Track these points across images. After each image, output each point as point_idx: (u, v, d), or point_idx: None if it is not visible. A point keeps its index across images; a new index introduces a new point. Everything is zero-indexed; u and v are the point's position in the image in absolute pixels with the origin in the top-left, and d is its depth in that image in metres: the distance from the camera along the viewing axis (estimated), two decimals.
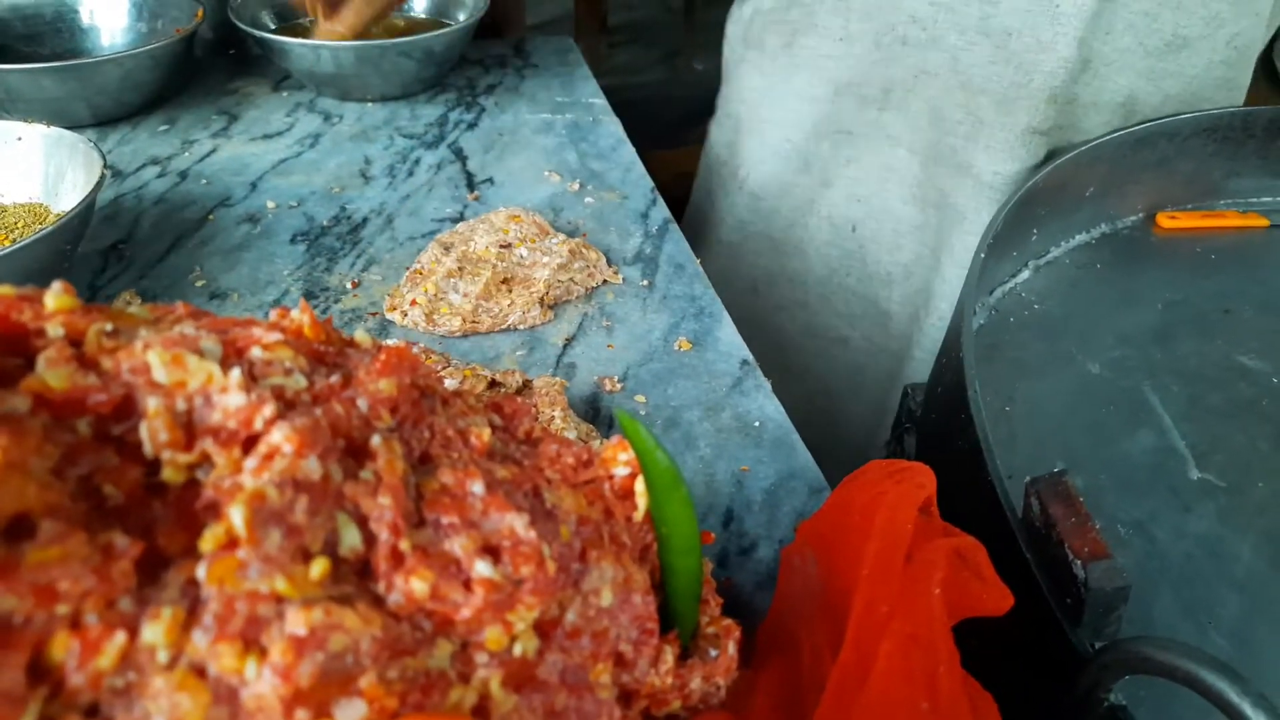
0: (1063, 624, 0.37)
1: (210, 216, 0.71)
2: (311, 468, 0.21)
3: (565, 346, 0.57)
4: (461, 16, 0.95)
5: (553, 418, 0.44)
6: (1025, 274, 0.71)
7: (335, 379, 0.24)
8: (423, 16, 1.00)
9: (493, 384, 0.47)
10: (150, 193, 0.74)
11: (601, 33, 3.51)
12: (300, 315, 0.26)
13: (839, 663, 0.26)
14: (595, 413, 0.52)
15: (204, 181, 0.76)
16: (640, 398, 0.53)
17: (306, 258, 0.66)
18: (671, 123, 1.56)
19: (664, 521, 0.28)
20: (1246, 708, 0.28)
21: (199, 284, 0.63)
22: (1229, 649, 0.46)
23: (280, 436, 0.21)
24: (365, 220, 0.72)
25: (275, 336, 0.24)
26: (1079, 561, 0.35)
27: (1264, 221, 0.77)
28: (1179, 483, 0.55)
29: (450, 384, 0.44)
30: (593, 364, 0.56)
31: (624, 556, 0.26)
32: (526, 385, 0.48)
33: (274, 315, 0.27)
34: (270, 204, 0.73)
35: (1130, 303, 0.67)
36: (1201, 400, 0.61)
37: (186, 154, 0.81)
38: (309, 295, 0.62)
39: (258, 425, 0.21)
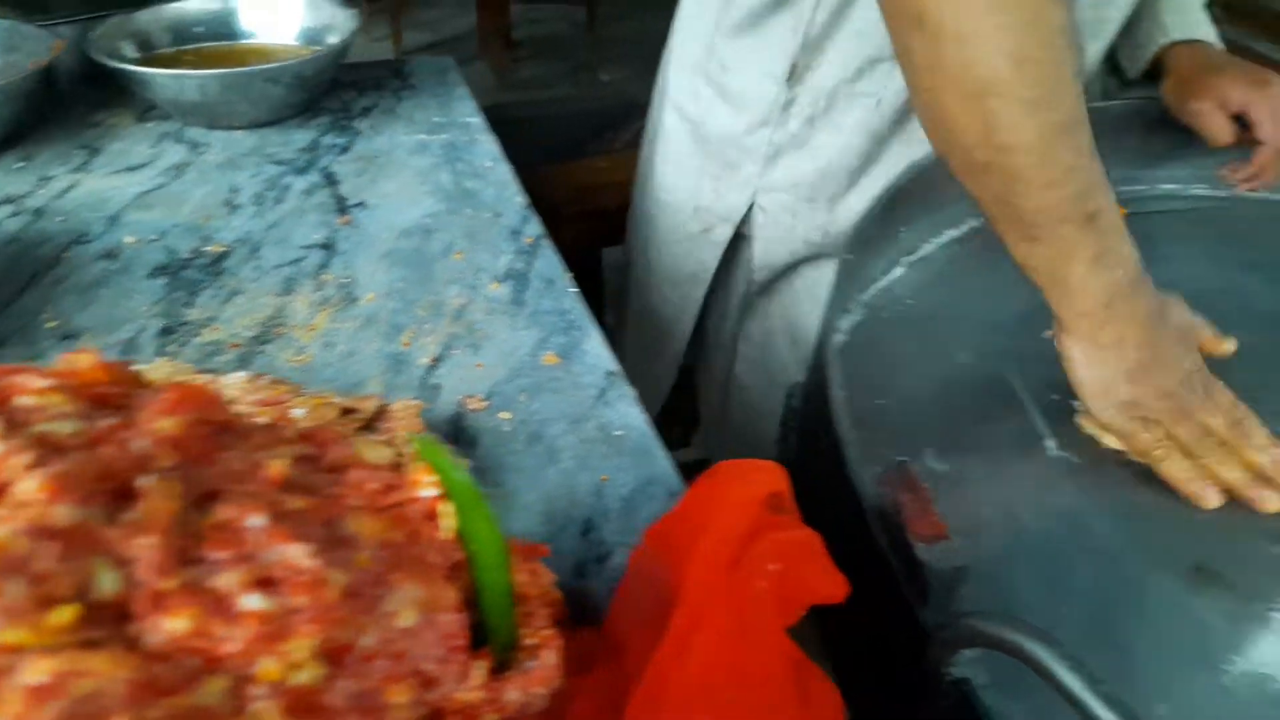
0: (911, 605, 0.38)
1: (65, 254, 0.70)
2: (64, 514, 0.21)
3: (431, 368, 0.58)
4: (332, 40, 0.95)
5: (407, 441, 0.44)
6: (899, 271, 0.74)
7: (114, 421, 0.24)
8: (293, 42, 0.99)
9: (346, 411, 0.47)
10: (2, 233, 0.72)
11: (506, 48, 3.52)
12: (81, 358, 0.26)
13: (654, 658, 0.27)
14: (458, 433, 0.52)
15: (60, 219, 0.75)
16: (505, 414, 0.54)
17: (165, 292, 0.66)
18: (577, 135, 1.56)
19: (471, 539, 0.28)
20: (1062, 671, 0.29)
21: (50, 325, 0.62)
22: (1086, 619, 0.49)
23: (33, 485, 0.21)
24: (230, 251, 0.71)
25: (46, 383, 0.24)
26: (920, 544, 0.37)
27: (1121, 211, 0.81)
28: (1040, 462, 0.58)
29: (298, 413, 0.44)
30: (459, 383, 0.57)
31: (431, 576, 0.27)
32: (383, 410, 0.48)
33: (60, 360, 0.26)
34: (129, 239, 0.72)
35: (998, 293, 0.70)
36: (1061, 384, 0.64)
37: (42, 191, 0.79)
38: (167, 331, 0.61)
39: (9, 474, 0.21)
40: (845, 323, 0.67)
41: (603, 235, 1.12)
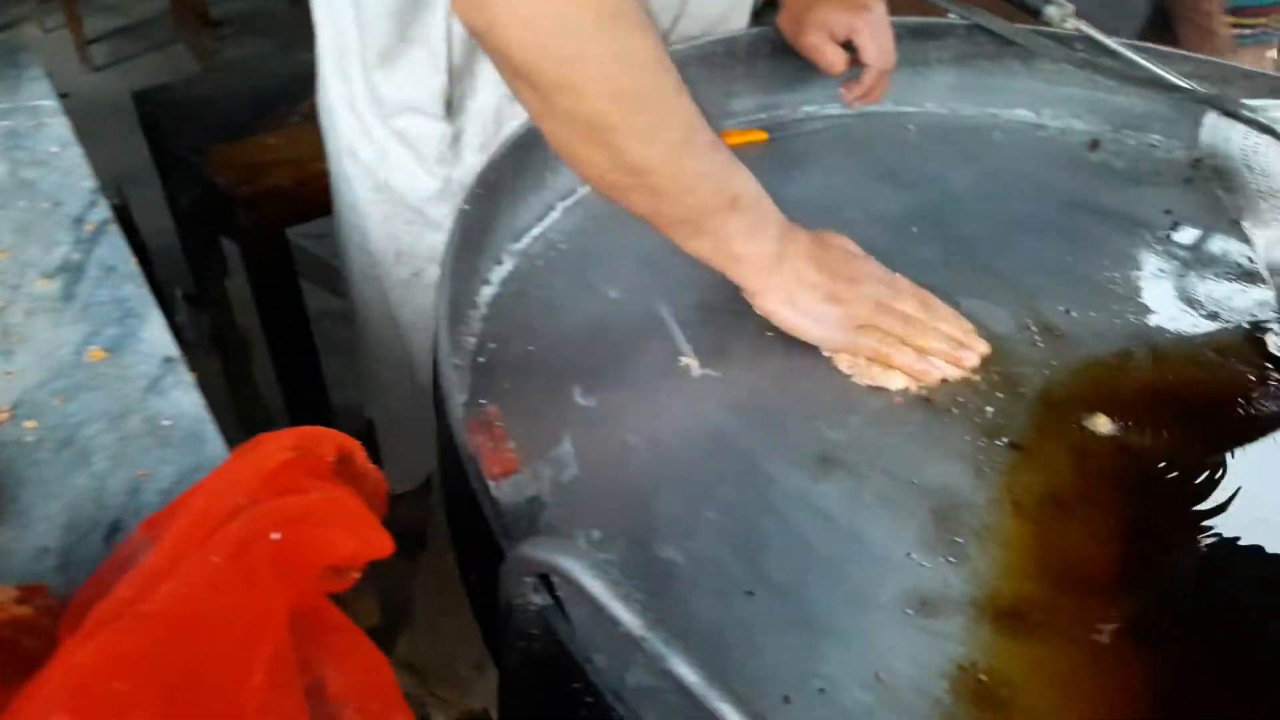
0: (499, 542, 0.39)
1: None
2: None
3: None
4: None
5: None
6: (555, 215, 0.74)
7: None
8: None
9: None
10: None
11: (205, 27, 3.25)
12: None
13: (66, 644, 0.25)
14: None
15: None
16: (31, 423, 0.50)
17: None
18: (249, 112, 1.41)
19: None
20: (586, 580, 0.30)
21: None
22: (721, 521, 0.52)
23: None
24: None
25: None
26: (492, 481, 0.37)
27: (763, 135, 0.86)
28: (685, 383, 0.61)
29: None
30: None
31: None
32: None
33: None
34: None
35: (647, 227, 0.72)
36: (707, 303, 0.67)
37: None
38: None
39: None
40: (496, 274, 0.67)
41: (283, 216, 1.06)
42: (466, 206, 0.57)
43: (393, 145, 0.79)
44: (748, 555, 0.50)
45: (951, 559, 0.50)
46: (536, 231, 0.72)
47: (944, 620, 0.47)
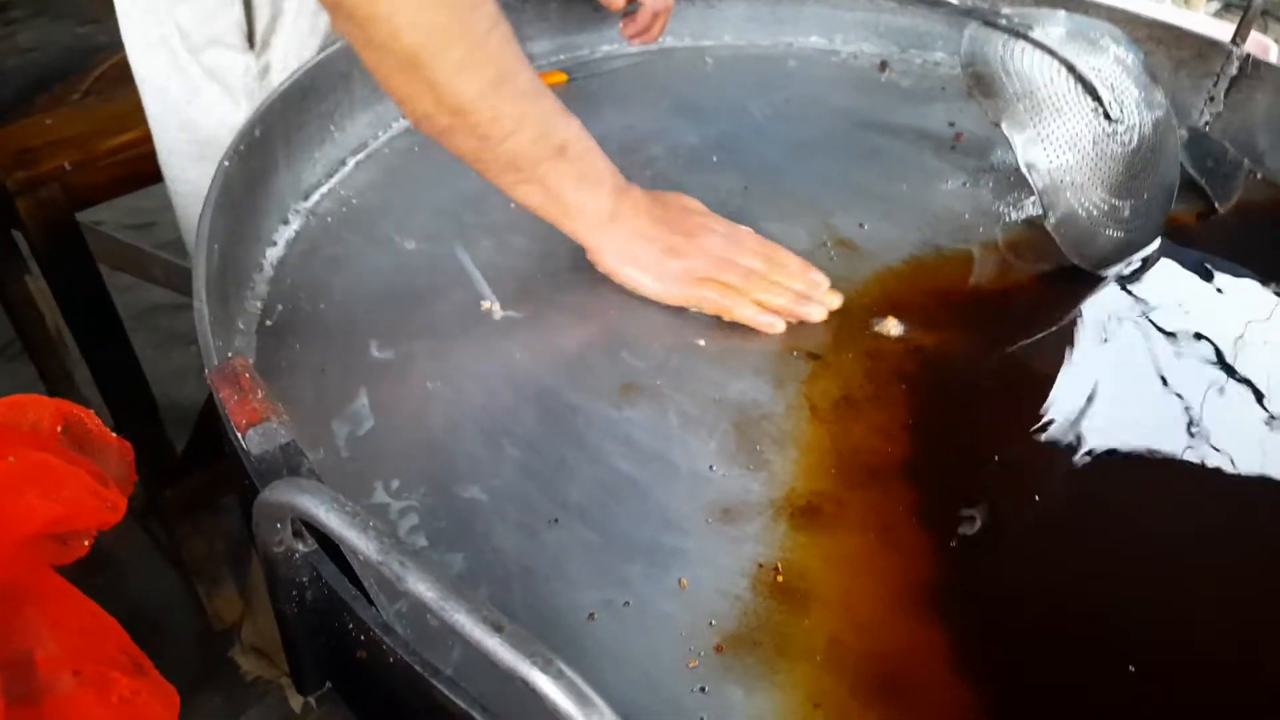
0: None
1: None
2: None
3: None
4: None
5: None
6: (346, 170, 0.72)
7: None
8: None
9: None
10: None
11: None
12: None
13: None
14: None
15: None
16: None
17: None
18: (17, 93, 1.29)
19: None
20: (322, 513, 0.29)
21: None
22: (524, 457, 0.52)
23: None
24: None
25: None
26: (239, 432, 0.36)
27: (563, 77, 0.85)
28: (487, 327, 0.60)
29: None
30: None
31: None
32: None
33: None
34: None
35: (445, 178, 0.71)
36: (507, 246, 0.66)
37: None
38: None
39: None
40: (283, 234, 0.65)
41: (68, 200, 0.98)
42: (227, 164, 0.54)
43: (204, 83, 0.77)
44: (552, 486, 0.50)
45: (751, 467, 0.52)
46: (326, 188, 0.70)
47: (744, 524, 0.49)
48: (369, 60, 0.53)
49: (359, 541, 0.28)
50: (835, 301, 0.62)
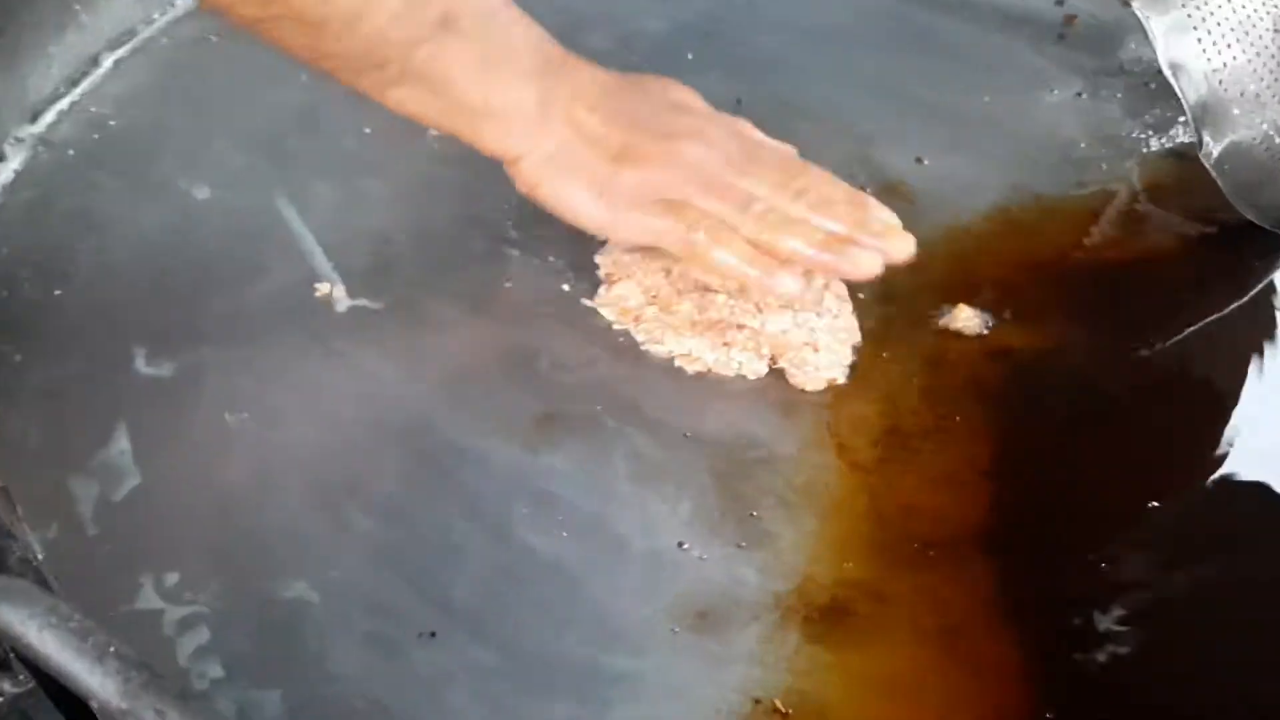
0: None
1: None
2: None
3: None
4: None
5: None
6: (99, 74, 0.72)
7: None
8: None
9: None
10: None
11: None
12: None
13: None
14: None
15: None
16: None
17: None
18: None
19: None
20: (34, 632, 0.29)
21: None
22: (382, 532, 0.53)
23: None
24: None
25: None
26: None
27: None
28: (325, 323, 0.60)
29: None
30: None
31: None
32: None
33: None
34: None
35: (258, 83, 0.70)
36: (358, 194, 0.66)
37: None
38: None
39: None
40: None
41: None
42: None
43: None
44: (426, 578, 0.50)
45: (743, 543, 0.52)
46: (67, 102, 0.70)
47: (732, 634, 0.49)
48: None
49: (90, 678, 0.28)
50: (903, 248, 0.60)
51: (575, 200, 0.60)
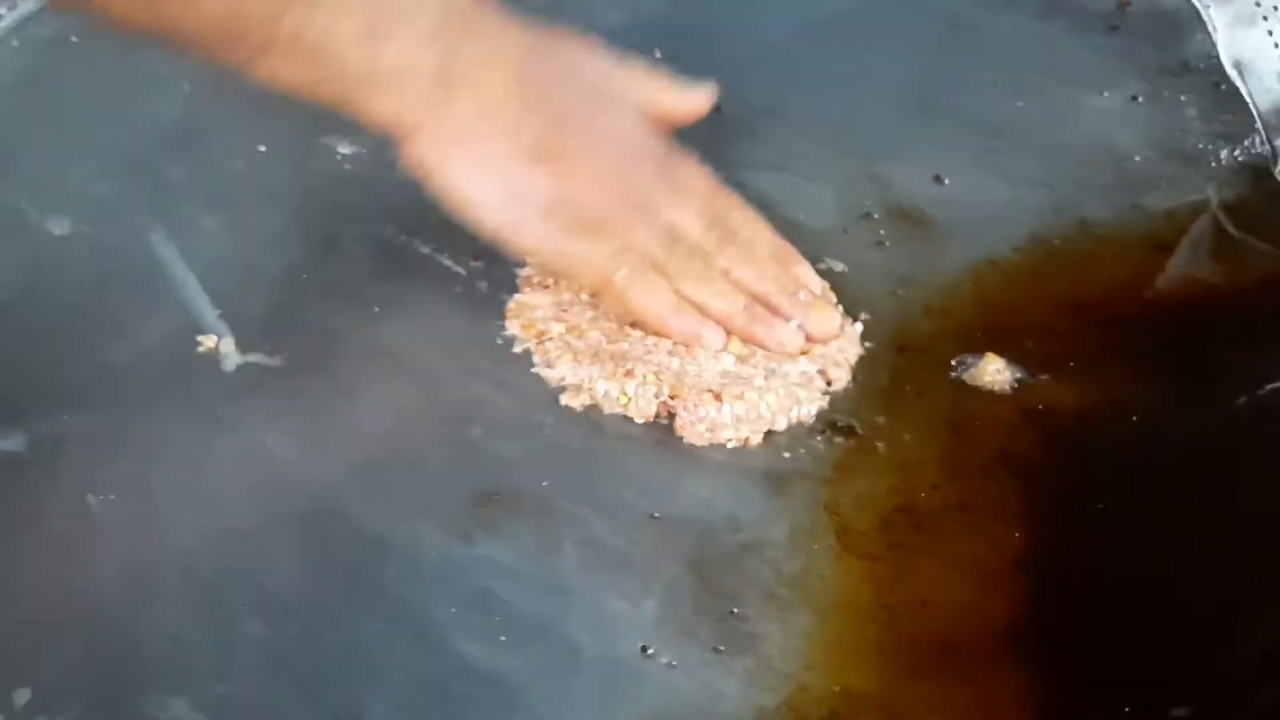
0: None
1: None
2: None
3: None
4: None
5: None
6: None
7: None
8: None
9: None
10: None
11: None
12: None
13: None
14: None
15: None
16: None
17: None
18: None
19: None
20: None
21: None
22: (276, 651, 0.53)
23: None
24: None
25: None
26: None
27: None
28: (210, 382, 0.62)
29: None
30: None
31: None
32: None
33: None
34: None
35: (127, 91, 0.72)
36: (247, 226, 0.67)
37: None
38: None
39: None
40: None
41: None
42: None
43: None
44: (335, 696, 0.51)
45: (723, 647, 0.54)
46: None
47: None
48: None
49: None
50: (828, 323, 0.64)
51: (476, 194, 0.62)
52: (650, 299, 0.62)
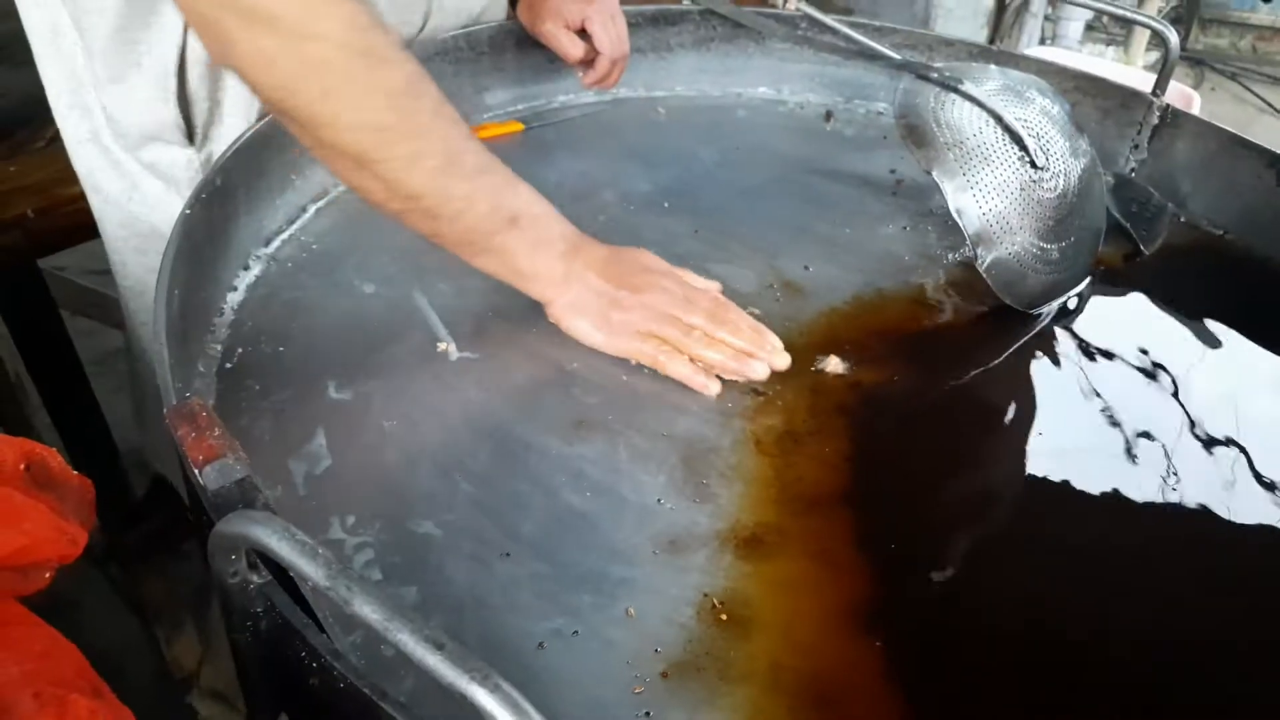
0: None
1: None
2: None
3: None
4: None
5: None
6: (307, 217, 0.74)
7: None
8: None
9: None
10: None
11: None
12: None
13: None
14: None
15: None
16: None
17: None
18: None
19: None
20: (274, 542, 0.31)
21: None
22: (477, 492, 0.53)
23: None
24: None
25: None
26: (196, 469, 0.37)
27: (519, 126, 0.88)
28: (443, 367, 0.62)
29: None
30: None
31: None
32: None
33: None
34: None
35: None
36: (463, 289, 0.68)
37: None
38: None
39: None
40: (243, 279, 0.66)
41: (30, 247, 0.99)
42: (188, 211, 0.56)
43: (145, 179, 0.75)
44: (504, 520, 0.51)
45: (698, 500, 0.54)
46: (287, 234, 0.71)
47: (690, 555, 0.50)
48: (320, 157, 0.55)
49: (308, 568, 0.30)
50: (782, 362, 0.62)
51: (584, 330, 0.62)
52: (676, 369, 0.61)
